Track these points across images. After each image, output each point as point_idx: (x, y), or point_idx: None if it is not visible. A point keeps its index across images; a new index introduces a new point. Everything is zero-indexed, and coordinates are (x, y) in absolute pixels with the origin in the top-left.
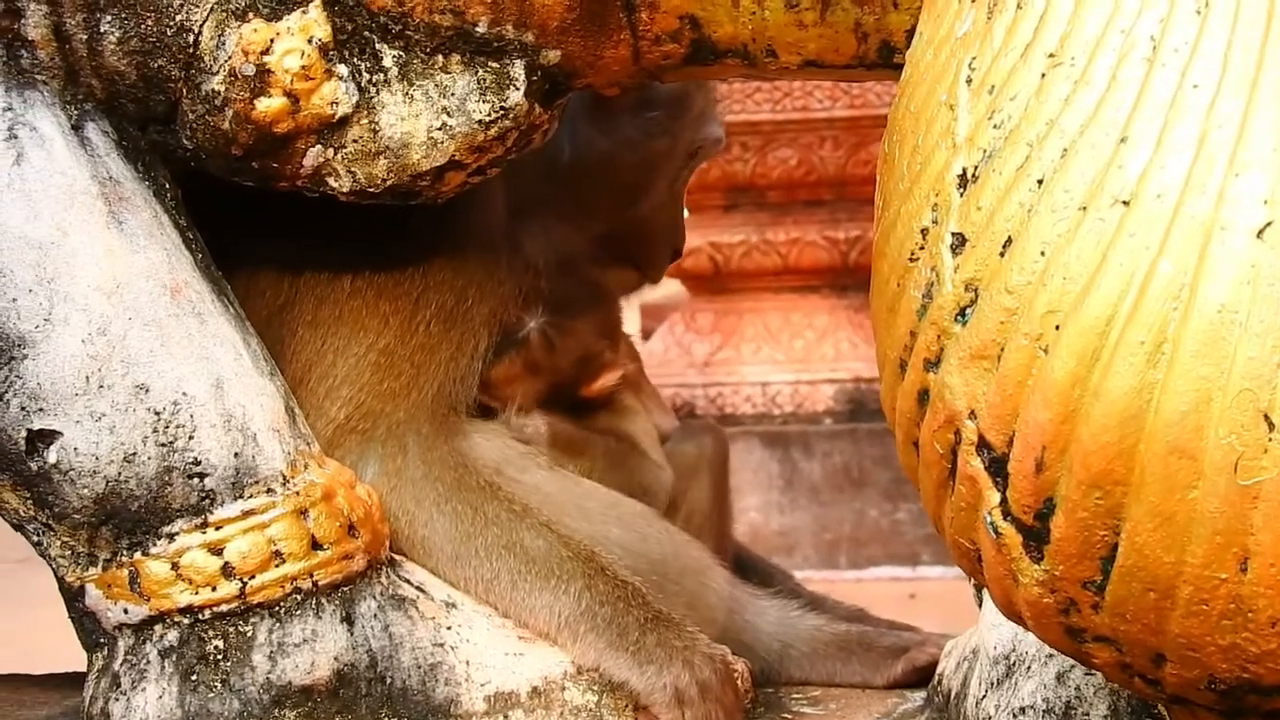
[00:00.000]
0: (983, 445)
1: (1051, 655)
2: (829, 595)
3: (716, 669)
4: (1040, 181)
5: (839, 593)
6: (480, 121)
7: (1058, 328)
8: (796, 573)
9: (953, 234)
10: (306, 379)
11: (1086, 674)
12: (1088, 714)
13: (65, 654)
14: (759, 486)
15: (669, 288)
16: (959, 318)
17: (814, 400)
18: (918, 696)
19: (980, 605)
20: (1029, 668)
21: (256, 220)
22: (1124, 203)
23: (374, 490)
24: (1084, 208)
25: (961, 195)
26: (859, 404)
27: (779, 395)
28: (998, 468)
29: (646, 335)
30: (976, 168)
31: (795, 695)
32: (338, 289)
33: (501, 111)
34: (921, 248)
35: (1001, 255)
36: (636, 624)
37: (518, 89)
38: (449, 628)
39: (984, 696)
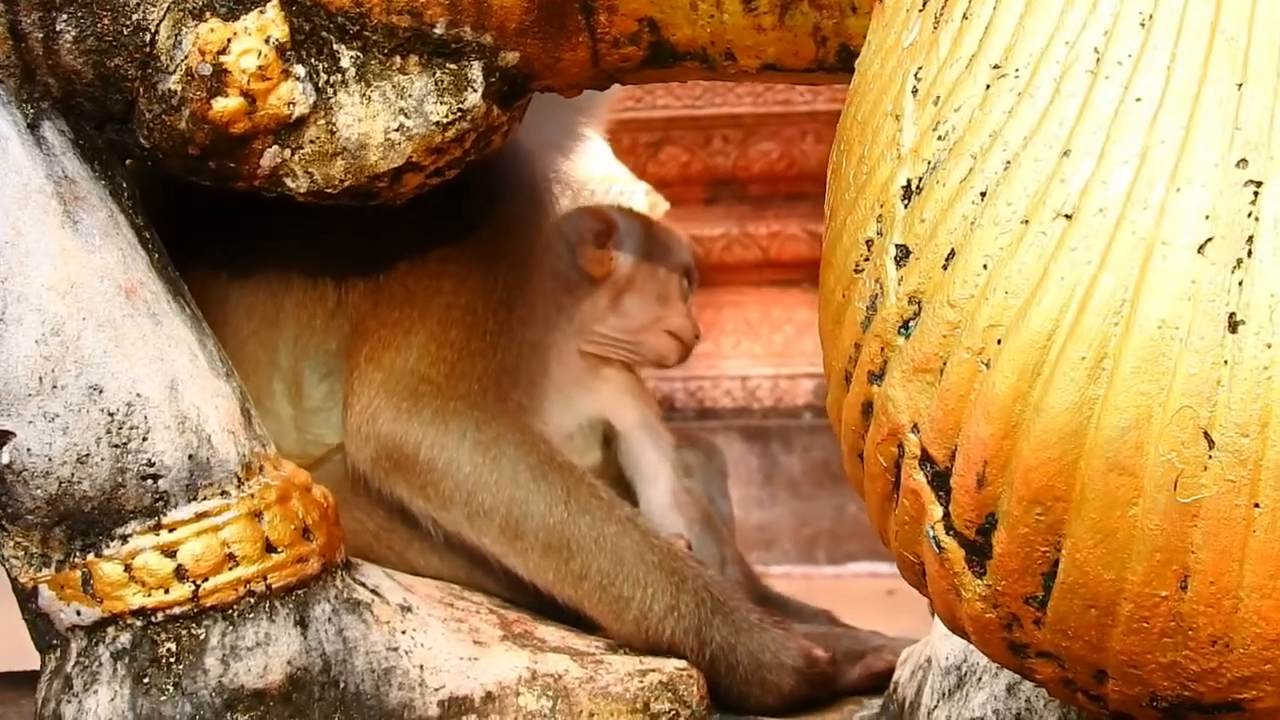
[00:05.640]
0: (925, 459)
1: (1002, 667)
2: (792, 597)
3: (800, 679)
4: (983, 194)
5: (818, 588)
6: (438, 123)
7: (999, 342)
8: (775, 568)
9: (897, 246)
10: (384, 352)
11: (1037, 687)
12: None
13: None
14: (738, 481)
15: None
16: (902, 330)
17: (794, 394)
18: (874, 703)
19: (934, 614)
20: (980, 679)
21: (302, 225)
22: (1066, 216)
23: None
24: (1026, 221)
25: (906, 207)
26: None
27: (759, 389)
28: (940, 482)
29: None
30: (921, 179)
31: None
32: (396, 272)
33: (459, 113)
34: (866, 259)
35: (944, 268)
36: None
37: (475, 91)
38: (403, 632)
39: (936, 706)
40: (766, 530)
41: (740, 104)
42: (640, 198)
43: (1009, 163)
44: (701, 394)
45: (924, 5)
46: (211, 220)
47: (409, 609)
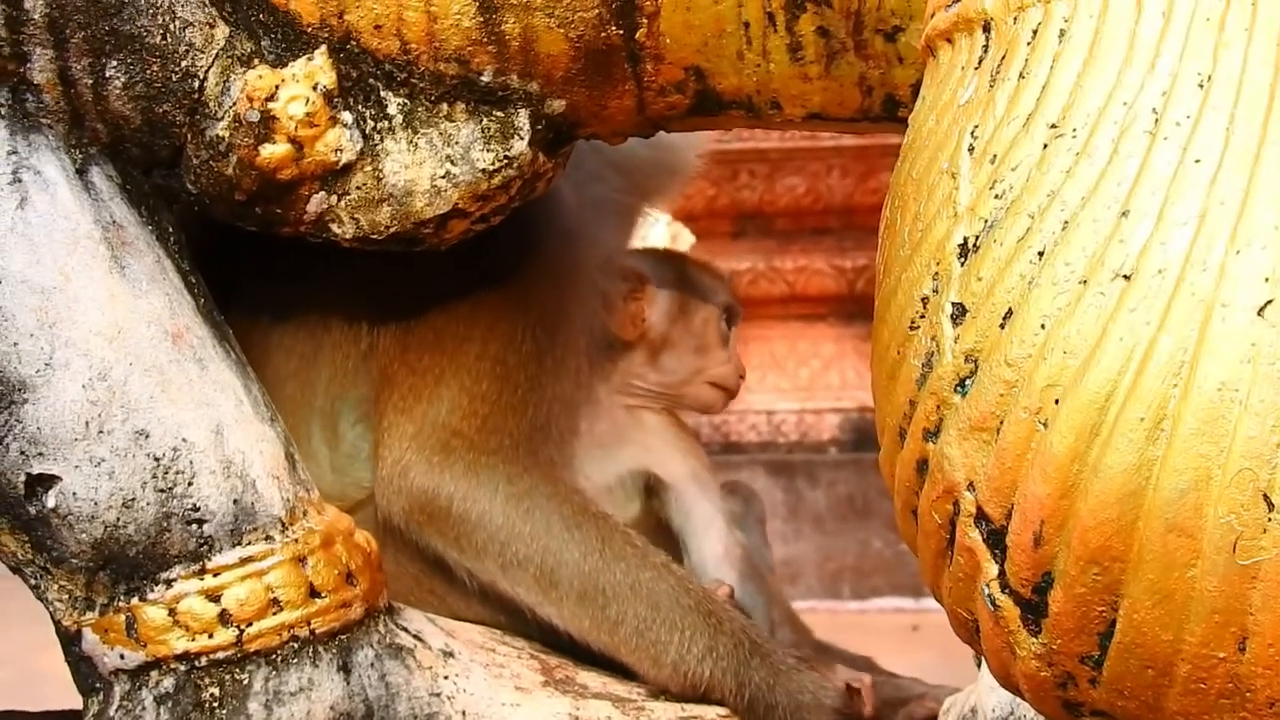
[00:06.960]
0: (981, 517)
1: None
2: (834, 643)
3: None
4: (1041, 254)
5: (842, 623)
6: (484, 170)
7: (1057, 402)
8: (800, 603)
9: (953, 304)
10: (415, 404)
11: None
12: None
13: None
14: None
15: None
16: (958, 388)
17: (819, 429)
18: None
19: (979, 665)
20: None
21: (341, 266)
22: (1125, 277)
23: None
24: (1084, 281)
25: (962, 265)
26: (864, 433)
27: (784, 424)
28: (996, 540)
29: None
30: (978, 238)
31: None
32: (425, 316)
33: (505, 161)
34: (922, 316)
35: (1002, 327)
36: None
37: (522, 138)
38: (446, 677)
39: None
40: (791, 565)
41: (767, 139)
42: (662, 229)
43: (1067, 223)
44: (727, 428)
45: (980, 63)
46: (253, 261)
47: (451, 654)
